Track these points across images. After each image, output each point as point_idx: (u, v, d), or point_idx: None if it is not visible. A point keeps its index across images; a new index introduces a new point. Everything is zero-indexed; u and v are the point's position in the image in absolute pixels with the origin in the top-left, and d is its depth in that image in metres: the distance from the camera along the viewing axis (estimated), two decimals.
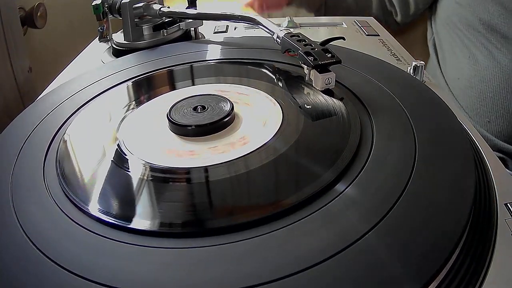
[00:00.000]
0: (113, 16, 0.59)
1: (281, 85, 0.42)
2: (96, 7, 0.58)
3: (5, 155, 0.34)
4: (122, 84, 0.44)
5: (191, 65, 0.48)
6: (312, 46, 0.40)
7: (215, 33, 0.64)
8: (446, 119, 0.35)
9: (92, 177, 0.31)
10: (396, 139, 0.32)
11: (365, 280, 0.22)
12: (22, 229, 0.27)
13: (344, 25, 0.67)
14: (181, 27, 0.58)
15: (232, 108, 0.36)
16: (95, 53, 0.60)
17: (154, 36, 0.56)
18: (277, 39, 0.45)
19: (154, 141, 0.34)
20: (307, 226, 0.25)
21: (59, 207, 0.28)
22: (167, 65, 0.48)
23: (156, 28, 0.56)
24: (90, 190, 0.30)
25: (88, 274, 0.23)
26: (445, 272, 0.23)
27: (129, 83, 0.44)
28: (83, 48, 0.62)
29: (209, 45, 0.54)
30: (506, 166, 0.68)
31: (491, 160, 0.33)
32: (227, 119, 0.35)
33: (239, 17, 0.51)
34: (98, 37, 0.63)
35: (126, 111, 0.39)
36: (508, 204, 0.29)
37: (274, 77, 0.44)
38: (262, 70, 0.45)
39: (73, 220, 0.27)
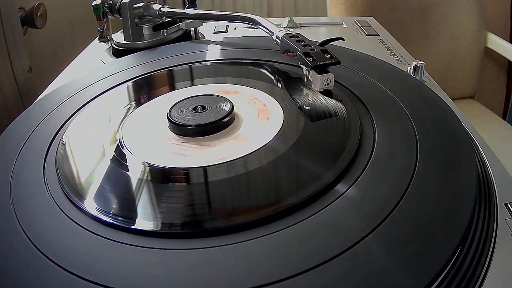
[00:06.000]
0: (113, 16, 0.59)
1: (280, 85, 0.42)
2: (96, 7, 0.58)
3: (5, 155, 0.34)
4: (122, 84, 0.44)
5: (191, 65, 0.48)
6: (311, 46, 0.40)
7: (215, 33, 0.64)
8: (447, 119, 0.35)
9: (92, 177, 0.31)
10: (396, 140, 0.32)
11: (365, 282, 0.22)
12: (22, 229, 0.27)
13: (344, 25, 0.67)
14: (181, 27, 0.58)
15: (232, 108, 0.36)
16: (95, 53, 0.60)
17: (154, 36, 0.56)
18: (276, 39, 0.45)
19: (154, 141, 0.34)
20: (307, 227, 0.25)
21: (59, 207, 0.28)
22: (167, 65, 0.48)
23: (156, 28, 0.56)
24: (90, 190, 0.30)
25: (87, 274, 0.23)
26: (445, 272, 0.23)
27: (129, 83, 0.44)
28: (83, 48, 0.62)
29: (209, 45, 0.54)
30: None
31: (491, 160, 0.33)
32: (227, 119, 0.35)
33: (239, 17, 0.51)
34: (98, 37, 0.63)
35: (126, 112, 0.39)
36: (508, 204, 0.29)
37: (273, 77, 0.44)
38: (262, 70, 0.45)
39: (73, 220, 0.27)
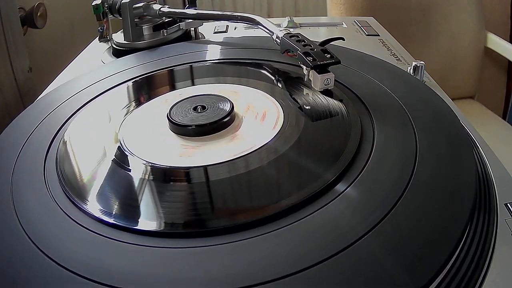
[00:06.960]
0: (113, 16, 0.59)
1: (280, 85, 0.42)
2: (96, 7, 0.58)
3: (5, 155, 0.34)
4: (122, 84, 0.44)
5: (191, 65, 0.48)
6: (311, 46, 0.40)
7: (215, 33, 0.64)
8: (447, 119, 0.35)
9: (92, 177, 0.31)
10: (396, 139, 0.32)
11: (364, 282, 0.22)
12: (23, 228, 0.27)
13: (344, 25, 0.67)
14: (181, 27, 0.58)
15: (232, 108, 0.36)
16: (95, 53, 0.60)
17: (154, 36, 0.56)
18: (276, 39, 0.45)
19: (154, 141, 0.34)
20: (306, 227, 0.25)
21: (59, 207, 0.28)
22: (167, 65, 0.48)
23: (156, 28, 0.56)
24: (91, 190, 0.30)
25: (87, 273, 0.23)
26: (445, 272, 0.23)
27: (130, 83, 0.44)
28: (83, 48, 0.62)
29: (209, 45, 0.54)
30: None
31: (491, 160, 0.33)
32: (227, 119, 0.35)
33: (239, 17, 0.51)
34: (98, 37, 0.63)
35: (127, 111, 0.39)
36: (508, 204, 0.29)
37: (274, 77, 0.44)
38: (262, 70, 0.45)
39: (73, 220, 0.27)
